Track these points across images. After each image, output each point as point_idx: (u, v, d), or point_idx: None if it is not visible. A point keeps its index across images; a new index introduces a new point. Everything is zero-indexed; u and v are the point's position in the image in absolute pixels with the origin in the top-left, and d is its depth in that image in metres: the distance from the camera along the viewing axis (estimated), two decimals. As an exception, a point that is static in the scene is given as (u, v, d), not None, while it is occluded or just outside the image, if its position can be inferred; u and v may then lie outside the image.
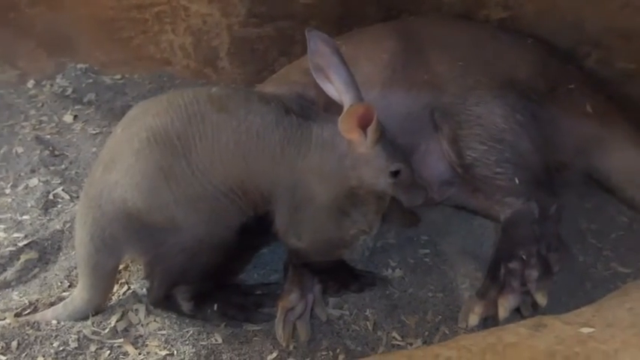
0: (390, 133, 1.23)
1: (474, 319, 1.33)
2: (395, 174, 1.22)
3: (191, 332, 1.31)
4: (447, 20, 1.80)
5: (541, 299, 1.32)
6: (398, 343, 1.32)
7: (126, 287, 1.41)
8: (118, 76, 2.21)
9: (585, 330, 0.81)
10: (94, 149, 1.84)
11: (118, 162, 1.21)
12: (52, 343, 1.26)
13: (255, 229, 1.34)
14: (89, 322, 1.31)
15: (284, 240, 1.34)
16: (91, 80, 2.19)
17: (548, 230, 1.44)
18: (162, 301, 1.33)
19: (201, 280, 1.32)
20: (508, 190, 1.46)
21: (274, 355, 1.27)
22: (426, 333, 1.34)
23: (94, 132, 1.91)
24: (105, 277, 1.33)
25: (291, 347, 1.29)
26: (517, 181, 1.46)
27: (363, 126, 1.15)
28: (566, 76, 1.62)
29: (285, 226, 1.30)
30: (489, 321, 1.34)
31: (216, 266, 1.33)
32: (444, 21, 1.79)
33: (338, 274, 1.43)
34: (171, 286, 1.31)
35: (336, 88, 1.25)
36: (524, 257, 1.37)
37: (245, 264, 1.52)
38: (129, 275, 1.43)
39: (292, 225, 1.30)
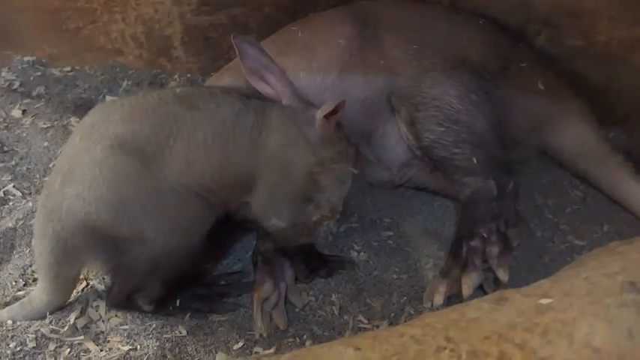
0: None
1: (438, 299, 1.35)
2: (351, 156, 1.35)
3: (154, 326, 1.28)
4: (401, 3, 1.80)
5: (503, 275, 1.35)
6: (364, 326, 1.32)
7: (85, 283, 1.37)
8: (68, 68, 2.13)
9: (544, 301, 0.83)
10: (45, 144, 1.77)
11: (79, 173, 1.15)
12: (8, 344, 1.22)
13: (225, 228, 1.34)
14: (47, 321, 1.27)
15: (263, 223, 1.33)
16: (39, 73, 2.10)
17: (507, 207, 1.47)
18: (122, 303, 1.30)
19: (165, 286, 1.29)
20: (466, 169, 1.49)
21: (240, 344, 1.27)
22: (392, 314, 1.35)
23: (45, 126, 1.84)
24: (67, 283, 1.29)
25: (257, 336, 1.29)
26: (475, 160, 1.48)
27: (328, 116, 1.26)
28: (518, 54, 1.64)
29: (264, 206, 1.29)
30: (454, 299, 1.36)
31: (181, 273, 1.30)
32: (398, 3, 1.79)
33: (309, 259, 1.43)
34: (132, 292, 1.28)
35: (272, 87, 1.34)
36: (484, 235, 1.40)
37: (217, 261, 1.50)
38: (87, 271, 1.39)
39: (272, 205, 1.29)
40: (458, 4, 1.79)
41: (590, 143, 1.62)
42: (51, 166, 1.71)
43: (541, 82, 1.62)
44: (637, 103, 1.68)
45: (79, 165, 1.15)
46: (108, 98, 1.99)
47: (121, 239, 1.18)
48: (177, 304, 1.31)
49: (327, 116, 1.25)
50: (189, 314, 1.31)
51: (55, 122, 1.86)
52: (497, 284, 1.36)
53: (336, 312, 1.35)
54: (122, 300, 1.29)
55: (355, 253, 1.50)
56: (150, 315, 1.31)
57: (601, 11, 1.63)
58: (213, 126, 1.19)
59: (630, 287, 0.77)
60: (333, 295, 1.39)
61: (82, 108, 1.96)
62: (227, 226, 1.38)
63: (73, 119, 1.87)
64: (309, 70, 1.48)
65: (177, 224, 1.20)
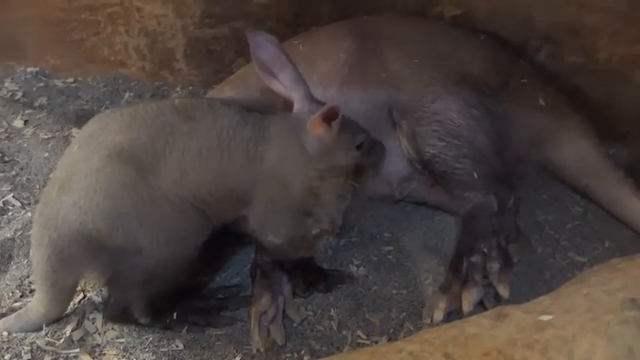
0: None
1: (438, 315, 1.33)
2: (360, 146, 1.30)
3: (151, 339, 1.27)
4: (402, 18, 1.81)
5: (503, 291, 1.34)
6: (363, 341, 1.31)
7: (82, 295, 1.37)
8: (71, 80, 2.14)
9: (544, 317, 0.83)
10: (45, 154, 1.77)
11: (76, 182, 1.14)
12: (3, 356, 1.21)
13: (222, 240, 1.33)
14: (43, 333, 1.26)
15: (259, 238, 1.32)
16: (42, 84, 2.11)
17: (507, 223, 1.47)
18: (119, 315, 1.29)
19: (161, 297, 1.28)
20: (467, 184, 1.48)
21: (237, 358, 1.25)
22: (391, 330, 1.34)
23: (46, 137, 1.84)
24: (63, 293, 1.28)
25: (254, 351, 1.27)
26: (476, 175, 1.48)
27: (328, 121, 1.21)
28: (519, 70, 1.65)
29: (262, 223, 1.28)
30: (453, 315, 1.35)
31: (177, 284, 1.29)
32: (399, 19, 1.80)
33: (307, 273, 1.42)
34: (129, 304, 1.27)
35: (284, 85, 1.31)
36: (485, 250, 1.39)
37: (213, 273, 1.49)
38: (84, 283, 1.38)
39: (269, 221, 1.28)
40: (459, 20, 1.80)
41: (591, 159, 1.62)
42: (51, 176, 1.71)
43: (542, 98, 1.63)
44: (637, 119, 1.69)
45: (76, 173, 1.15)
46: (109, 109, 2.00)
47: (117, 249, 1.17)
48: (174, 317, 1.30)
49: (328, 122, 1.22)
50: (186, 327, 1.30)
51: (57, 133, 1.86)
52: (498, 300, 1.36)
53: (334, 327, 1.34)
54: (119, 312, 1.28)
55: (354, 268, 1.49)
56: (146, 328, 1.30)
57: (602, 28, 1.64)
58: (209, 138, 1.19)
59: (631, 304, 0.76)
60: (332, 309, 1.38)
61: (83, 119, 1.96)
62: (224, 238, 1.37)
63: (75, 130, 1.88)
64: (310, 83, 1.48)
65: (173, 234, 1.20)
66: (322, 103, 1.28)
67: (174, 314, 1.30)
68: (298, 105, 1.31)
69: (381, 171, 1.55)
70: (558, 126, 1.62)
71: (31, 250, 1.27)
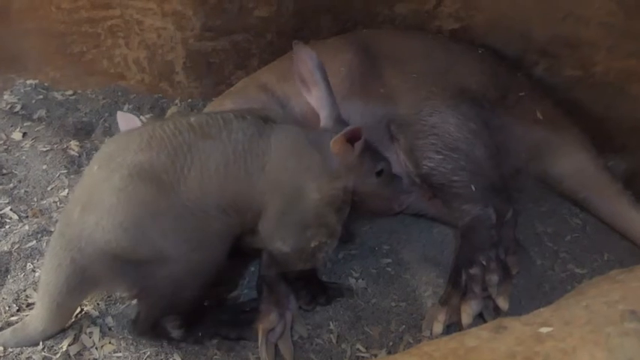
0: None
1: (438, 327, 1.33)
2: (379, 173, 1.34)
3: (148, 353, 1.26)
4: (401, 32, 1.83)
5: (503, 303, 1.34)
6: (362, 354, 1.30)
7: (79, 309, 1.36)
8: (70, 92, 2.15)
9: (544, 329, 0.82)
10: (44, 167, 1.77)
11: (98, 202, 1.15)
12: (-2, 371, 1.20)
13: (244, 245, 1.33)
14: (39, 348, 1.25)
15: (267, 246, 1.32)
16: (41, 96, 2.12)
17: (506, 235, 1.47)
18: (150, 331, 1.28)
19: (192, 308, 1.28)
20: (465, 197, 1.49)
21: (237, 373, 1.25)
22: (390, 343, 1.33)
23: (45, 149, 1.84)
24: (67, 313, 1.28)
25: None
26: (474, 188, 1.48)
27: (352, 141, 1.25)
28: (516, 84, 1.66)
29: (271, 230, 1.28)
30: (453, 328, 1.34)
31: (206, 294, 1.30)
32: (398, 32, 1.82)
33: (309, 285, 1.42)
34: (160, 316, 1.26)
35: (314, 102, 1.35)
36: (484, 262, 1.39)
37: (238, 278, 1.49)
38: (84, 297, 1.37)
39: (278, 229, 1.28)
40: (458, 34, 1.82)
41: (589, 172, 1.63)
42: (49, 189, 1.71)
43: (540, 112, 1.64)
44: (635, 132, 1.69)
45: (97, 194, 1.16)
46: (108, 122, 2.01)
47: (143, 263, 1.18)
48: (206, 329, 1.30)
49: (351, 142, 1.25)
50: (217, 341, 1.30)
51: (55, 145, 1.86)
52: (498, 312, 1.35)
53: (334, 340, 1.33)
54: (149, 328, 1.27)
55: (354, 280, 1.49)
56: (144, 342, 1.29)
57: (599, 42, 1.65)
58: (226, 154, 1.20)
59: (631, 316, 0.76)
60: (331, 323, 1.37)
61: (82, 131, 1.98)
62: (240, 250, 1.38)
63: (73, 142, 1.88)
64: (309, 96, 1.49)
65: (198, 243, 1.20)
66: (347, 124, 1.31)
67: (206, 327, 1.30)
68: (323, 122, 1.34)
69: (396, 204, 1.54)
70: (556, 139, 1.63)
71: (43, 270, 1.26)
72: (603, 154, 1.67)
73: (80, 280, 1.19)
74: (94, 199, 1.16)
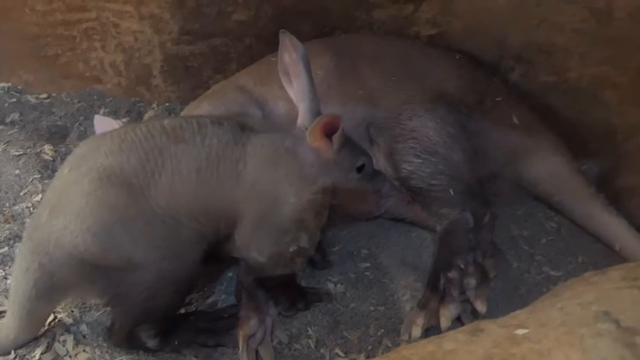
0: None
1: (416, 331, 1.33)
2: (360, 169, 1.28)
3: (124, 360, 1.24)
4: (379, 37, 1.84)
5: (480, 306, 1.35)
6: (341, 359, 1.30)
7: (52, 316, 1.33)
8: (44, 95, 2.11)
9: (520, 332, 0.83)
10: (16, 171, 1.74)
11: (67, 205, 1.13)
12: (-31, 381, 1.17)
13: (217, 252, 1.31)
14: (11, 357, 1.23)
15: (243, 255, 1.31)
16: (14, 100, 2.08)
17: (483, 238, 1.48)
18: (125, 341, 1.26)
19: (166, 316, 1.26)
20: (444, 201, 1.50)
21: (215, 380, 1.23)
22: (369, 347, 1.33)
23: (17, 154, 1.80)
24: (39, 320, 1.25)
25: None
26: (452, 192, 1.49)
27: (329, 134, 1.20)
28: (493, 89, 1.68)
29: (248, 240, 1.27)
30: (432, 331, 1.35)
31: (181, 300, 1.28)
32: (376, 37, 1.83)
33: (288, 291, 1.41)
34: (134, 325, 1.24)
35: (295, 94, 1.30)
36: (462, 266, 1.40)
37: (215, 284, 1.48)
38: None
39: (255, 239, 1.27)
40: (435, 40, 1.83)
41: (563, 176, 1.65)
42: (22, 194, 1.67)
43: (516, 116, 1.66)
44: (607, 137, 1.73)
45: (66, 197, 1.13)
46: (84, 126, 1.98)
47: (113, 269, 1.15)
48: (183, 338, 1.29)
49: (328, 136, 1.20)
50: (194, 349, 1.29)
51: (28, 150, 1.83)
52: (476, 315, 1.36)
53: (312, 345, 1.33)
54: (124, 338, 1.25)
55: (332, 285, 1.49)
56: (119, 350, 1.26)
57: (572, 49, 1.68)
58: (198, 160, 1.17)
59: (604, 317, 0.77)
60: (310, 328, 1.37)
61: (56, 135, 1.94)
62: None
63: (47, 147, 1.85)
64: (287, 100, 1.48)
65: (168, 250, 1.18)
66: None
67: (183, 335, 1.28)
68: (301, 117, 1.29)
69: (376, 205, 1.54)
70: (532, 143, 1.65)
71: (12, 276, 1.23)
72: (577, 158, 1.69)
73: (49, 286, 1.16)
74: (63, 203, 1.13)
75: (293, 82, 1.31)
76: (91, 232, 1.11)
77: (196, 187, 1.17)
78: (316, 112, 1.28)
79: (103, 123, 1.37)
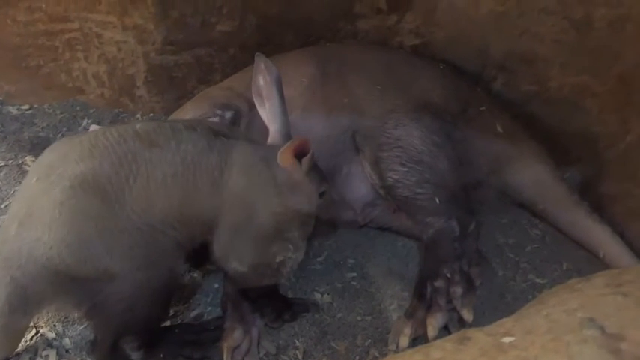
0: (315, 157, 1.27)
1: (404, 341, 1.33)
2: (322, 195, 1.29)
3: (108, 375, 1.22)
4: (364, 46, 1.85)
5: (467, 315, 1.36)
6: (329, 370, 1.30)
7: (34, 331, 1.30)
8: (26, 106, 2.08)
9: (506, 339, 0.83)
10: (-3, 184, 1.71)
11: (37, 217, 1.09)
12: (-53, 399, 1.14)
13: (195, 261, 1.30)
14: (-9, 373, 1.20)
15: (223, 265, 1.29)
16: (-5, 111, 2.05)
17: (469, 247, 1.49)
18: (109, 354, 1.23)
19: (148, 327, 1.24)
20: (429, 210, 1.50)
21: (200, 392, 1.22)
22: (357, 357, 1.33)
23: (-1, 165, 1.78)
24: (15, 334, 1.22)
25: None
26: (437, 200, 1.50)
27: (299, 156, 1.20)
28: (476, 98, 1.70)
29: (226, 249, 1.25)
30: (419, 340, 1.35)
31: (161, 310, 1.26)
32: (361, 47, 1.84)
33: (273, 301, 1.40)
34: (116, 337, 1.21)
35: (266, 116, 1.32)
36: (448, 275, 1.41)
37: (200, 296, 1.46)
38: (38, 318, 1.32)
39: (233, 248, 1.25)
40: (419, 50, 1.85)
41: (547, 184, 1.67)
42: (3, 207, 1.65)
43: (499, 125, 1.68)
44: (589, 145, 1.75)
45: (37, 208, 1.10)
46: (66, 137, 1.95)
47: (88, 280, 1.13)
48: (168, 350, 1.26)
49: (297, 158, 1.21)
50: None
51: (10, 161, 1.80)
52: (462, 324, 1.37)
53: (299, 356, 1.32)
54: (108, 351, 1.22)
55: (319, 295, 1.48)
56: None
57: (552, 58, 1.71)
58: (173, 165, 1.16)
59: (589, 323, 0.77)
60: (297, 339, 1.36)
61: (38, 147, 1.91)
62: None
63: (29, 158, 1.82)
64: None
65: (144, 260, 1.15)
66: None
67: (168, 348, 1.26)
68: (271, 138, 1.31)
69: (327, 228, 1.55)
70: (515, 151, 1.67)
71: None
72: (560, 166, 1.71)
73: (23, 300, 1.13)
74: (34, 214, 1.10)
75: (265, 104, 1.33)
76: (65, 242, 1.08)
77: (172, 193, 1.15)
78: (286, 135, 1.30)
79: None
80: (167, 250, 1.19)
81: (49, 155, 1.18)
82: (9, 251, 1.11)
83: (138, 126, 1.18)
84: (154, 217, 1.15)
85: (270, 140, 1.31)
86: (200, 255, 1.30)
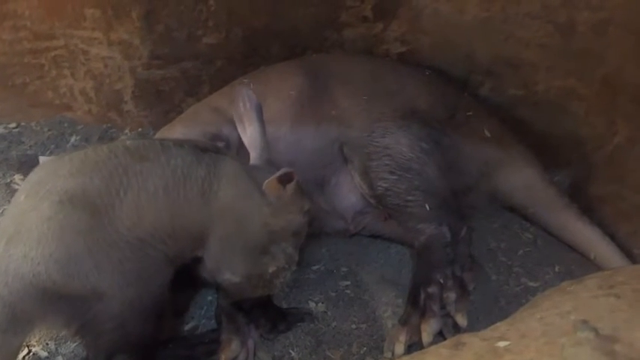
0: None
1: (399, 348, 1.33)
2: (306, 212, 1.32)
3: (101, 394, 1.20)
4: (350, 56, 1.86)
5: (461, 320, 1.36)
6: (325, 379, 1.29)
7: (26, 350, 1.29)
8: (13, 125, 2.07)
9: (501, 344, 0.83)
10: (-14, 203, 1.70)
11: (25, 233, 1.08)
12: None
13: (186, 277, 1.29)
14: (-18, 395, 1.17)
15: (216, 278, 1.28)
16: (-19, 130, 2.04)
17: (461, 252, 1.49)
18: None
19: (140, 344, 1.22)
20: (420, 216, 1.50)
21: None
22: (353, 366, 1.32)
23: (-13, 185, 1.77)
24: (7, 356, 1.19)
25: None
26: (428, 207, 1.50)
27: (284, 183, 1.24)
28: (464, 103, 1.71)
29: (218, 260, 1.25)
30: (414, 346, 1.34)
31: (153, 327, 1.23)
32: (347, 57, 1.85)
33: (268, 312, 1.39)
34: (109, 356, 1.19)
35: (247, 141, 1.37)
36: (441, 280, 1.40)
37: (194, 309, 1.45)
38: (29, 337, 1.30)
39: (225, 259, 1.25)
40: (405, 57, 1.86)
41: (537, 187, 1.68)
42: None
43: (487, 130, 1.68)
44: (577, 147, 1.76)
45: (25, 224, 1.09)
46: (55, 154, 1.94)
47: (76, 298, 1.11)
48: None
49: (282, 182, 1.24)
50: None
51: (-2, 180, 1.79)
52: (457, 329, 1.36)
53: (295, 367, 1.31)
54: None
55: (313, 304, 1.47)
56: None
57: (538, 62, 1.73)
58: (164, 177, 1.16)
59: (583, 326, 0.78)
60: (292, 349, 1.35)
61: (26, 165, 1.90)
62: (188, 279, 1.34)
63: (17, 177, 1.81)
64: (261, 121, 1.49)
65: (133, 276, 1.14)
66: (275, 168, 1.30)
67: None
68: (252, 162, 1.34)
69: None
70: (504, 156, 1.68)
71: None
72: (549, 169, 1.72)
73: (11, 319, 1.10)
74: (22, 230, 1.08)
75: (247, 130, 1.37)
76: (53, 258, 1.07)
77: (163, 205, 1.15)
78: (266, 160, 1.34)
79: None
80: (157, 265, 1.18)
81: (37, 173, 1.17)
82: None
83: (128, 142, 1.19)
84: (145, 231, 1.14)
85: (252, 163, 1.35)
86: (191, 270, 1.29)
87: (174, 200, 1.17)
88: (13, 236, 1.09)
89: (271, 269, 1.31)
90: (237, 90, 1.39)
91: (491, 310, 1.46)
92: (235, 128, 1.51)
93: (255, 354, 1.34)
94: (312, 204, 1.36)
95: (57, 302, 1.11)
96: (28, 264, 1.07)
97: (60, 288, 1.09)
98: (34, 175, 1.17)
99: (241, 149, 1.53)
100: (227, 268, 1.26)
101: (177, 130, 1.61)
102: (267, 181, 1.22)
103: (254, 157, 1.34)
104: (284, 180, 1.22)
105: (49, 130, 2.05)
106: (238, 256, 1.26)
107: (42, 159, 1.31)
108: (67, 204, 1.08)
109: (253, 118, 1.36)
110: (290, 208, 1.28)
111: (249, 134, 1.37)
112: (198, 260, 1.27)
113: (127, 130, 2.06)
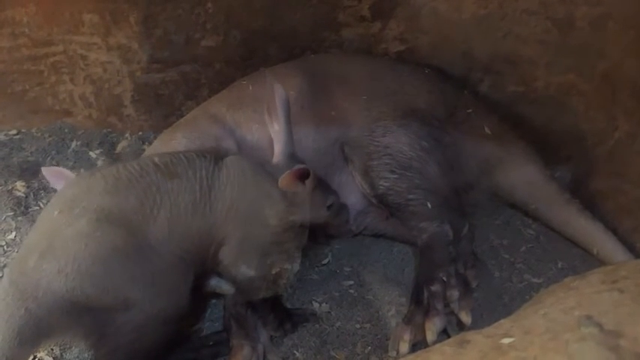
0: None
1: (404, 347, 1.33)
2: (330, 207, 1.39)
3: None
4: (349, 56, 1.86)
5: (465, 318, 1.36)
6: (330, 379, 1.29)
7: (32, 356, 1.29)
8: (14, 132, 2.07)
9: (506, 340, 0.83)
10: (-13, 211, 1.70)
11: (60, 249, 1.10)
12: None
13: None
14: (-13, 402, 1.17)
15: (232, 272, 1.30)
16: (-18, 138, 2.04)
17: (464, 249, 1.49)
18: None
19: (154, 354, 1.23)
20: (422, 215, 1.50)
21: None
22: (357, 366, 1.32)
23: (-12, 192, 1.77)
24: None
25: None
26: (429, 205, 1.50)
27: (302, 179, 1.29)
28: (463, 101, 1.71)
29: (234, 256, 1.28)
30: (418, 345, 1.34)
31: (168, 339, 1.25)
32: (346, 57, 1.85)
33: (276, 310, 1.41)
34: None
35: (274, 134, 1.40)
36: (444, 279, 1.40)
37: (200, 312, 1.47)
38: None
39: (241, 254, 1.28)
40: (404, 56, 1.86)
41: (538, 183, 1.68)
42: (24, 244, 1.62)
43: (487, 127, 1.68)
44: (578, 143, 1.76)
45: (60, 240, 1.11)
46: (56, 160, 1.94)
47: (104, 310, 1.13)
48: None
49: (300, 179, 1.28)
50: None
51: (0, 187, 1.79)
52: (461, 327, 1.37)
53: (299, 368, 1.31)
54: None
55: (317, 305, 1.48)
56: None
57: (537, 59, 1.73)
58: (193, 193, 1.22)
59: (587, 321, 0.78)
60: (297, 350, 1.36)
61: (28, 172, 1.90)
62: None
63: (19, 183, 1.81)
64: (261, 122, 1.49)
65: (163, 287, 1.18)
66: (298, 161, 1.34)
67: None
68: (276, 156, 1.38)
69: (344, 231, 1.62)
70: (505, 153, 1.68)
71: None
72: (550, 165, 1.72)
73: (34, 332, 1.12)
74: (56, 246, 1.11)
75: (274, 123, 1.39)
76: (89, 273, 1.10)
77: (191, 218, 1.21)
78: (288, 154, 1.37)
79: (53, 173, 1.34)
80: (183, 274, 1.22)
81: (70, 188, 1.21)
82: (26, 283, 1.11)
83: (156, 159, 1.25)
84: (174, 243, 1.19)
85: (274, 158, 1.38)
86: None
87: (202, 212, 1.23)
88: (47, 251, 1.11)
89: (275, 270, 1.32)
90: (270, 84, 1.40)
91: (495, 307, 1.46)
92: (234, 138, 1.54)
93: (264, 357, 1.34)
94: (336, 195, 1.42)
95: (84, 315, 1.13)
96: (62, 279, 1.09)
97: (92, 301, 1.12)
98: (67, 190, 1.21)
99: (241, 151, 1.55)
100: (243, 262, 1.29)
101: (178, 139, 1.60)
102: (281, 177, 1.26)
103: (277, 151, 1.37)
104: (301, 176, 1.27)
105: (49, 136, 2.05)
106: (254, 252, 1.29)
107: (44, 169, 1.35)
108: (104, 221, 1.12)
109: (281, 113, 1.38)
110: (312, 203, 1.33)
111: (275, 127, 1.39)
112: (211, 268, 1.30)
113: (127, 135, 2.06)
